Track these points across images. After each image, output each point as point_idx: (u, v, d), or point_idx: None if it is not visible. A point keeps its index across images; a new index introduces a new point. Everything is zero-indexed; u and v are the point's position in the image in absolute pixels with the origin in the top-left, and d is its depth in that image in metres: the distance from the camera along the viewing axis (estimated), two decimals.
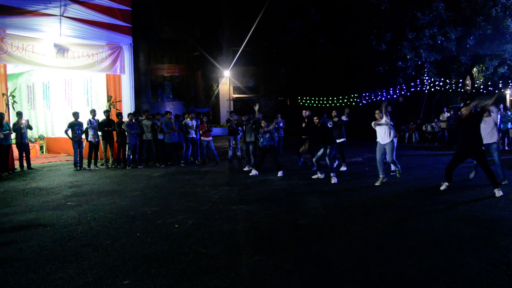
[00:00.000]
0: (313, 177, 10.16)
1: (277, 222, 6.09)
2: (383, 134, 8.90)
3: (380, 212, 6.56)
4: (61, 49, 13.05)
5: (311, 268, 4.27)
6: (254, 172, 10.93)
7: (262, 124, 10.84)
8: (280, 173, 10.63)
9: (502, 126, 15.53)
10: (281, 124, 15.69)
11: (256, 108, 11.87)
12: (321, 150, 9.91)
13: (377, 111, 9.09)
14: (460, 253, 4.56)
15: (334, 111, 11.81)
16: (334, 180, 9.53)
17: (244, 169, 11.88)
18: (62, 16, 12.41)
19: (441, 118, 19.27)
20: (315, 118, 10.21)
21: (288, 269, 4.27)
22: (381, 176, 9.01)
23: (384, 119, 8.88)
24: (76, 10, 12.73)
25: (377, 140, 9.10)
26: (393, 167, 9.61)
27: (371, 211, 6.64)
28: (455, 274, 4.01)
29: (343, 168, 11.44)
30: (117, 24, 14.06)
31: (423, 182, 9.10)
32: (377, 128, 9.02)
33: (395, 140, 9.04)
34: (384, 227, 5.69)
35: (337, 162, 11.42)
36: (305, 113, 12.18)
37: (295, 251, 4.83)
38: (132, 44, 14.98)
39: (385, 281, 3.91)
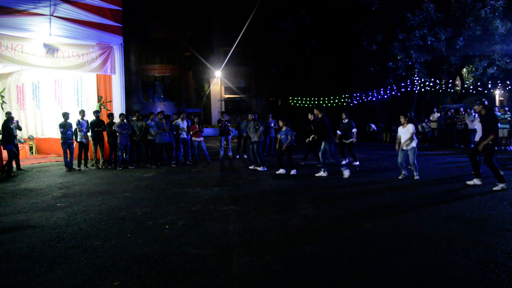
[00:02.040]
0: (316, 175, 10.51)
1: (268, 223, 6.09)
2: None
3: (370, 212, 6.59)
4: (50, 49, 12.93)
5: (302, 268, 4.28)
6: (281, 170, 11.04)
7: (280, 124, 11.26)
8: (293, 171, 10.88)
9: None
10: (272, 124, 15.73)
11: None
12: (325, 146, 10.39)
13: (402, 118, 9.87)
14: (449, 252, 4.60)
15: (343, 113, 12.59)
16: (347, 173, 10.14)
17: (250, 167, 12.29)
18: (52, 15, 12.29)
19: (431, 118, 19.41)
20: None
21: (279, 269, 4.27)
22: (403, 172, 9.86)
23: (408, 129, 9.59)
24: (66, 9, 12.61)
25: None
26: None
27: (361, 211, 6.67)
28: (444, 273, 4.04)
29: (356, 163, 12.52)
30: (108, 24, 13.97)
31: (413, 182, 9.17)
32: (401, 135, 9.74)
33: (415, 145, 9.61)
34: (374, 226, 5.72)
35: (347, 160, 12.61)
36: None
37: (286, 251, 4.83)
38: (123, 44, 14.89)
39: (375, 281, 3.93)
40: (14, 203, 7.93)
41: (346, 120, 12.31)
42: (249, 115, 12.55)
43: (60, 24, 12.64)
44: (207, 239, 5.34)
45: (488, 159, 8.05)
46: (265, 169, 11.69)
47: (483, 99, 8.38)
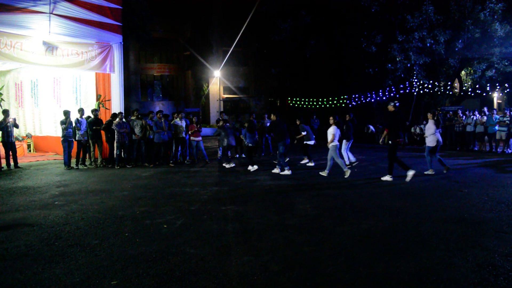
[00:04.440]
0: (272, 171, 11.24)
1: (266, 223, 6.09)
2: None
3: (369, 213, 6.59)
4: (50, 47, 12.91)
5: (300, 269, 4.28)
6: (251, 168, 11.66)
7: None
8: (254, 167, 11.77)
9: (489, 129, 15.77)
10: (267, 125, 15.73)
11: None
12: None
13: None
14: (447, 254, 4.60)
15: (299, 118, 13.43)
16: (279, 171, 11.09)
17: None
18: (52, 13, 12.28)
19: None
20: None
21: (277, 269, 4.28)
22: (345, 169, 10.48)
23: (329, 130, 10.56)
24: (65, 7, 12.60)
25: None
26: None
27: (359, 212, 6.67)
28: (442, 274, 4.04)
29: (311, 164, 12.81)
30: (107, 23, 13.94)
31: (412, 184, 9.18)
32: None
33: (336, 145, 10.48)
34: (373, 228, 5.73)
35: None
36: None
37: (284, 251, 4.83)
38: (122, 43, 14.86)
39: (373, 282, 3.93)
40: (11, 201, 7.92)
41: (298, 123, 13.10)
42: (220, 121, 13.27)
43: (60, 22, 12.62)
44: (205, 239, 5.33)
45: (390, 154, 9.58)
46: (232, 165, 12.62)
47: (396, 102, 9.60)
